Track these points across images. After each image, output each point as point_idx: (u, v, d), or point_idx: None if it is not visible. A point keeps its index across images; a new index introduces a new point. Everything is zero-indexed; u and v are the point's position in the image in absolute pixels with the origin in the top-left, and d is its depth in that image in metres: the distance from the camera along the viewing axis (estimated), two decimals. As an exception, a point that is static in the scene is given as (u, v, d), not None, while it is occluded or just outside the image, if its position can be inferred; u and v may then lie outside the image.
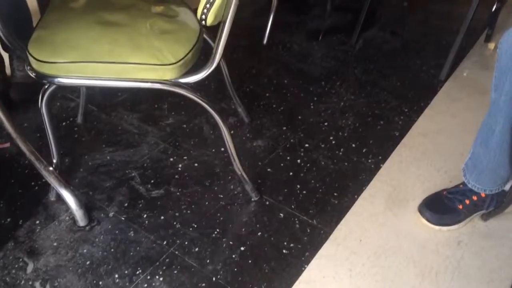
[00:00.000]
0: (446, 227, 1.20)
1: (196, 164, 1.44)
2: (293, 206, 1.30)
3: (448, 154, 1.49)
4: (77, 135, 1.54)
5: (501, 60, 0.99)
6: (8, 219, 1.24)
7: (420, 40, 2.18)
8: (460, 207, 1.20)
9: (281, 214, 1.28)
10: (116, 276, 1.11)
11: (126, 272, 1.12)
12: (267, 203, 1.31)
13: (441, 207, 1.21)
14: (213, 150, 1.49)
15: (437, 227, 1.20)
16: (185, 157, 1.46)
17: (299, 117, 1.66)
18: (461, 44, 1.85)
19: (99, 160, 1.44)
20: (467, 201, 1.20)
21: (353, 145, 1.54)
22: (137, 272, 1.12)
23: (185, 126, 1.59)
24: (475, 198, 1.20)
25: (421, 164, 1.46)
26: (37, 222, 1.23)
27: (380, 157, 1.49)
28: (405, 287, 1.10)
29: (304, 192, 1.36)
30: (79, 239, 1.19)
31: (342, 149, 1.52)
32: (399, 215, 1.28)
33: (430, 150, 1.51)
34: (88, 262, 1.14)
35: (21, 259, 1.14)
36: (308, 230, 1.24)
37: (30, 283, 1.08)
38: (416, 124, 1.64)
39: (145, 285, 1.09)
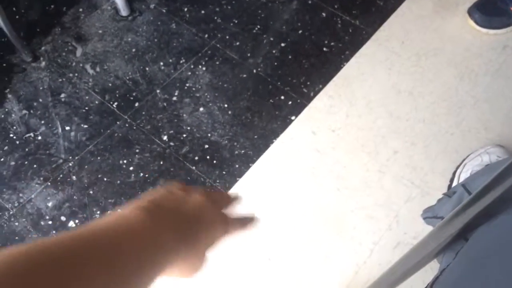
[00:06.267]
0: (493, 31, 1.16)
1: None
2: (336, 6, 1.26)
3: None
4: None
5: None
6: (52, 6, 1.25)
7: None
8: (512, 9, 1.14)
9: (324, 14, 1.25)
10: (161, 63, 1.15)
11: (170, 60, 1.16)
12: (310, 2, 1.27)
13: (492, 9, 1.16)
14: None
15: (484, 30, 1.17)
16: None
17: None
18: None
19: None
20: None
21: None
22: (181, 61, 1.16)
23: None
24: None
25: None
26: (80, 10, 1.24)
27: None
28: (442, 87, 1.12)
29: (348, -7, 1.30)
30: (123, 28, 1.21)
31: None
32: (446, 18, 1.23)
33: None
34: (133, 50, 1.17)
35: (69, 43, 1.18)
36: (350, 30, 1.22)
37: (81, 65, 1.14)
38: None
39: (189, 73, 1.14)
